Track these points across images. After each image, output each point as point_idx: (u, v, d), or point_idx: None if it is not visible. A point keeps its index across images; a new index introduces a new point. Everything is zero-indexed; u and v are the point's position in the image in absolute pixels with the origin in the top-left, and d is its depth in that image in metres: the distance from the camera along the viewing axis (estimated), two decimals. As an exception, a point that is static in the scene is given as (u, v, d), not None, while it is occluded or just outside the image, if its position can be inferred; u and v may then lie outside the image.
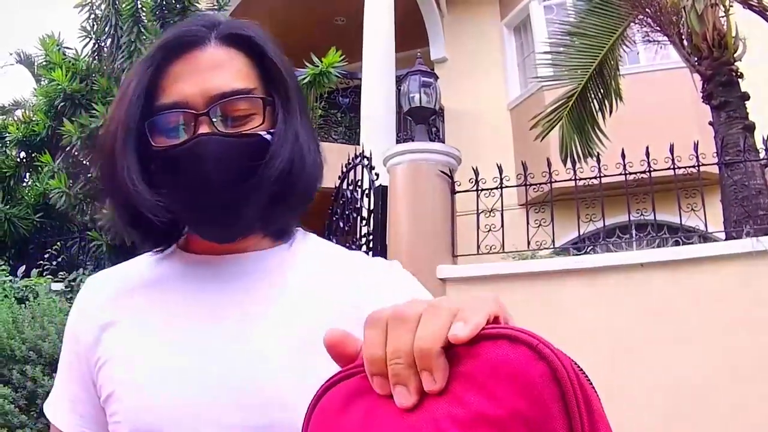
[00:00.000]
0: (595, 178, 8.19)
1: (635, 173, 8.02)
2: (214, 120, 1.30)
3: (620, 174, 8.04)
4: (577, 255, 8.19)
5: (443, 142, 14.40)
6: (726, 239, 7.81)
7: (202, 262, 1.45)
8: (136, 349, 1.35)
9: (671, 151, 7.79)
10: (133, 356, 1.35)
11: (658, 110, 12.73)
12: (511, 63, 16.99)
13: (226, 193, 1.31)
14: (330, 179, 10.00)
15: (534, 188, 8.51)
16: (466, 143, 13.99)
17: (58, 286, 10.41)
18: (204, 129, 1.30)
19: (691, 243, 7.93)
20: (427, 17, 17.17)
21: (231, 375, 1.27)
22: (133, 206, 1.33)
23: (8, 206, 12.98)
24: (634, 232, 8.55)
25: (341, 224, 9.50)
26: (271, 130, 1.36)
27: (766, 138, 8.01)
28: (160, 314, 1.39)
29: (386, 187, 8.29)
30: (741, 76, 8.82)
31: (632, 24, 9.90)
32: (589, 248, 8.55)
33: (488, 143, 14.48)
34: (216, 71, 1.34)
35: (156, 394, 1.28)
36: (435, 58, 17.44)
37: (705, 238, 8.43)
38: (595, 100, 10.02)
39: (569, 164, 9.07)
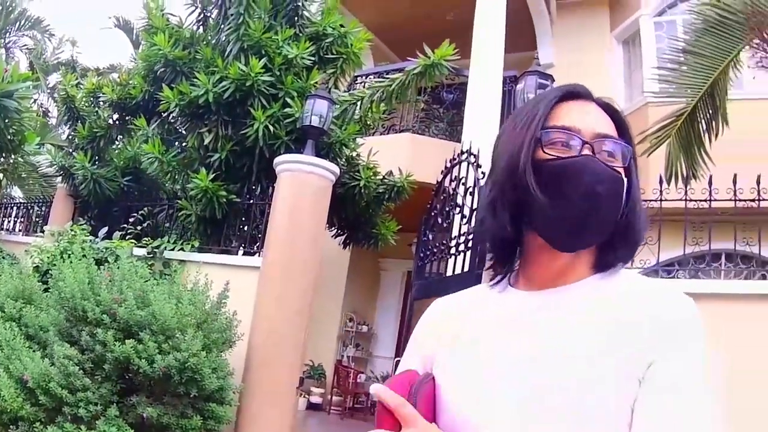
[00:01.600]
0: (705, 201, 8.14)
1: (746, 200, 8.01)
2: (596, 150, 1.64)
3: (730, 200, 8.04)
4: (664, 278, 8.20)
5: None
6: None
7: (528, 294, 1.75)
8: (464, 360, 1.72)
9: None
10: (459, 366, 1.72)
11: (763, 139, 12.44)
12: (617, 75, 16.98)
13: (596, 208, 1.61)
14: (428, 174, 9.80)
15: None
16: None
17: (140, 252, 10.47)
18: (587, 152, 1.64)
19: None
20: (537, 22, 17.20)
21: (519, 386, 1.56)
22: (516, 203, 1.68)
23: (96, 166, 13.02)
24: (724, 261, 8.34)
25: (439, 220, 9.35)
26: (628, 177, 1.70)
27: None
28: (493, 335, 1.72)
29: (491, 186, 7.96)
30: None
31: (748, 47, 9.57)
32: (678, 272, 8.48)
33: (589, 153, 14.05)
34: (600, 119, 1.71)
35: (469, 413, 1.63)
36: (542, 63, 17.08)
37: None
38: (703, 121, 9.88)
39: (673, 184, 9.22)
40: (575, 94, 1.75)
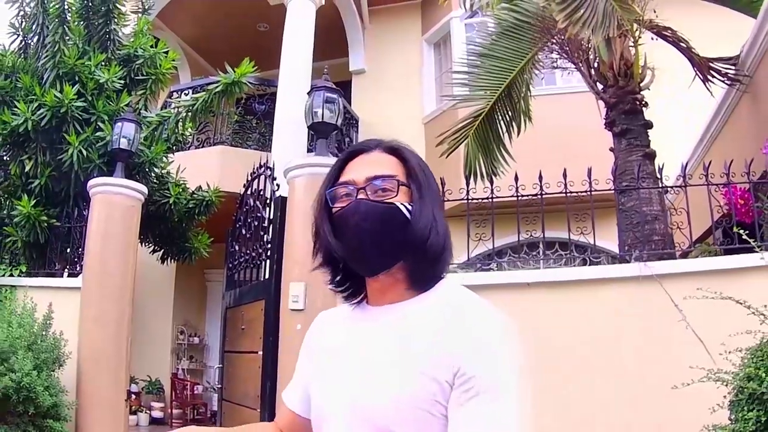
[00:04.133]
0: (487, 199, 8.34)
1: (526, 196, 8.14)
2: (368, 192, 1.96)
3: (512, 196, 8.15)
4: (463, 272, 8.26)
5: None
6: (619, 263, 7.95)
7: (368, 310, 2.10)
8: (320, 368, 2.14)
9: (564, 175, 7.99)
10: (318, 372, 2.14)
11: (572, 133, 13.08)
12: (428, 78, 17.33)
13: (368, 239, 1.93)
14: (241, 186, 10.09)
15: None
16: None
17: (-28, 281, 10.39)
18: (361, 196, 1.96)
19: (585, 265, 8.10)
20: (349, 28, 17.48)
21: (350, 389, 1.94)
22: (330, 252, 2.06)
23: None
24: (542, 251, 8.59)
25: (243, 231, 9.63)
26: (407, 204, 1.97)
27: (662, 166, 8.12)
28: (340, 344, 2.11)
29: (286, 198, 8.40)
30: (645, 104, 8.96)
31: (543, 49, 9.97)
32: (479, 267, 8.67)
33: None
34: (374, 164, 2.03)
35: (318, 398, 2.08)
36: (353, 69, 17.85)
37: (613, 258, 8.58)
38: (502, 121, 10.16)
39: (472, 182, 9.07)
40: (362, 150, 2.11)
